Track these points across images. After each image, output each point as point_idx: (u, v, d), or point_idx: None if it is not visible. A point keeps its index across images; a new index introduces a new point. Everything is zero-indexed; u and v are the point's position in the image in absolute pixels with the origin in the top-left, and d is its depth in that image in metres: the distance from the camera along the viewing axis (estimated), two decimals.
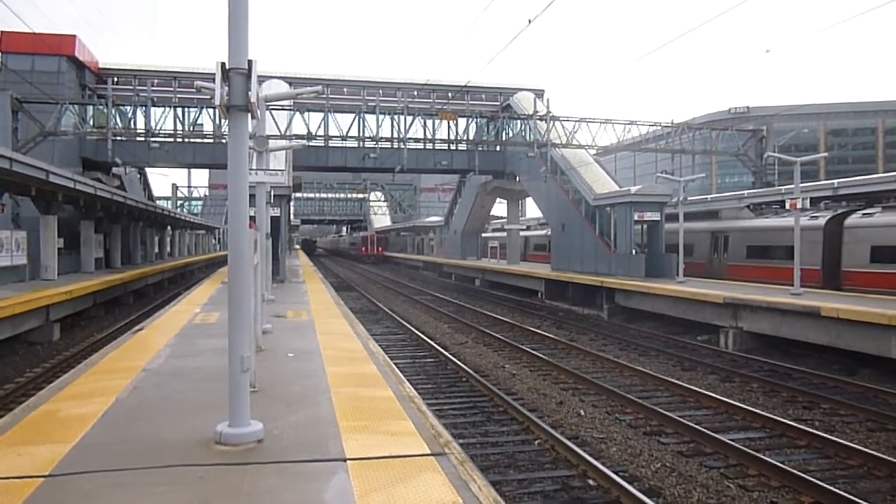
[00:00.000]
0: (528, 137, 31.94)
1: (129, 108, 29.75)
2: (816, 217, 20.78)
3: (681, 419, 9.73)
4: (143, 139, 28.68)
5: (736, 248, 24.16)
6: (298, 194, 62.23)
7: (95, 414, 6.03)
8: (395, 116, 30.81)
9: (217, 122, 28.84)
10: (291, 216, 49.08)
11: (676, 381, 12.51)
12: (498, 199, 41.50)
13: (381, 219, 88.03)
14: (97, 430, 5.57)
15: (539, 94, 37.76)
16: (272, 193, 16.75)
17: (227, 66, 5.11)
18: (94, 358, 9.11)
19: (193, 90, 32.02)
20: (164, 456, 4.86)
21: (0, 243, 18.35)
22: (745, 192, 29.61)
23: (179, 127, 28.79)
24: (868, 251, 18.75)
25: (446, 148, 33.14)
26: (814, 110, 79.44)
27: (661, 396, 11.85)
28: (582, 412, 10.66)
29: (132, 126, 29.49)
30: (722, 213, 26.26)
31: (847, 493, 6.97)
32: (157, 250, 44.30)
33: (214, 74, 5.11)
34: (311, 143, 29.06)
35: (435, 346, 16.50)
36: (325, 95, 35.11)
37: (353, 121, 30.08)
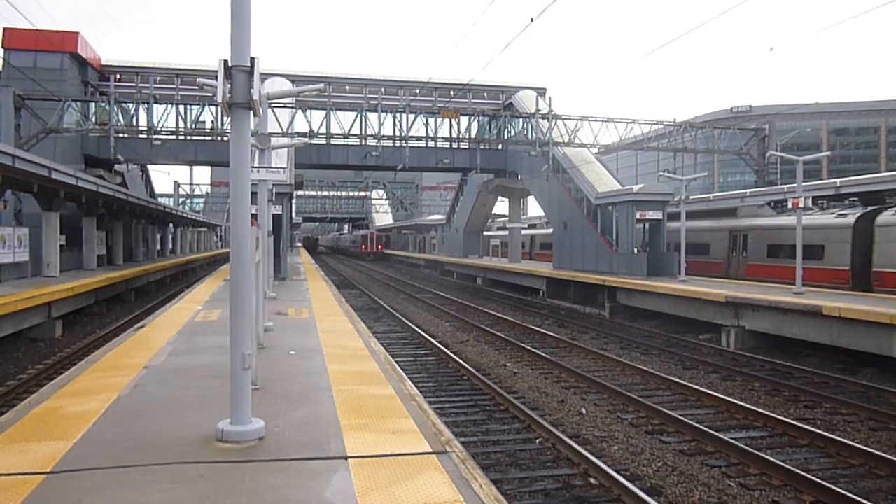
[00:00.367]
0: (530, 136, 31.88)
1: (131, 105, 29.72)
2: (845, 215, 19.50)
3: (682, 418, 9.72)
4: (145, 136, 28.66)
5: (756, 248, 22.96)
6: (300, 192, 62.29)
7: (97, 411, 6.04)
8: (397, 114, 30.77)
9: (219, 119, 28.84)
10: (293, 214, 49.15)
11: (678, 380, 12.50)
12: (500, 198, 41.47)
13: (383, 217, 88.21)
14: (99, 427, 5.58)
15: (541, 92, 37.67)
16: (274, 191, 16.73)
17: (230, 64, 5.11)
18: (96, 355, 9.12)
19: (196, 87, 31.93)
20: (165, 453, 4.87)
21: (2, 240, 18.37)
22: (748, 190, 29.58)
23: (181, 124, 28.77)
24: None
25: (448, 146, 33.11)
26: (816, 109, 79.32)
27: (663, 395, 11.84)
28: (583, 411, 10.65)
29: (134, 123, 29.48)
30: (741, 211, 24.96)
31: (849, 492, 6.96)
32: (158, 247, 44.37)
33: (217, 72, 5.11)
34: (313, 141, 29.05)
35: (436, 344, 16.49)
36: (327, 93, 35.12)
37: (354, 119, 30.04)
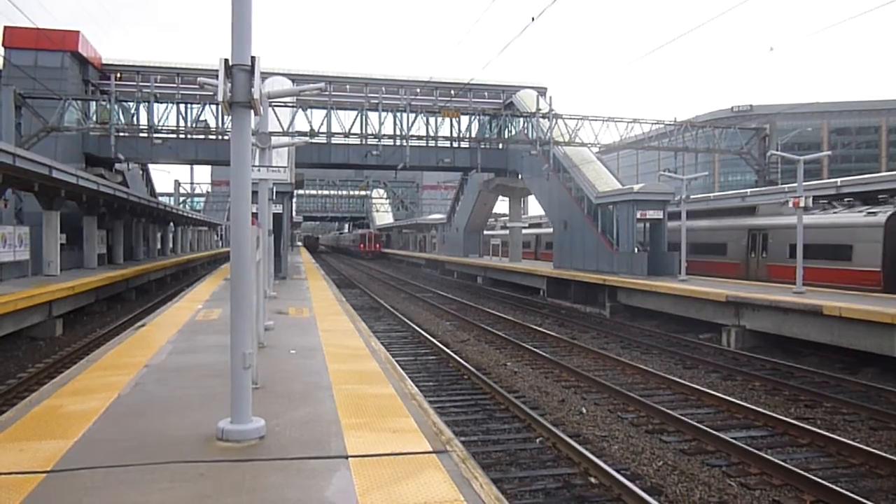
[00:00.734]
0: (530, 135, 31.87)
1: (131, 104, 29.72)
2: (874, 213, 18.58)
3: (683, 417, 9.72)
4: (145, 135, 28.66)
5: (777, 248, 21.87)
6: (301, 191, 62.30)
7: (97, 410, 6.04)
8: (398, 114, 30.75)
9: (220, 118, 28.84)
10: (294, 213, 49.14)
11: (678, 380, 12.50)
12: (500, 197, 41.47)
13: (384, 216, 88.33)
14: (99, 425, 5.58)
15: (542, 91, 37.68)
16: (274, 190, 16.73)
17: (231, 63, 5.11)
18: (97, 354, 9.13)
19: (196, 86, 31.88)
20: (166, 452, 4.87)
21: (3, 238, 18.38)
22: (748, 190, 29.55)
23: (182, 123, 28.78)
24: None
25: (449, 145, 33.10)
26: (817, 109, 79.23)
27: (663, 395, 11.84)
28: (584, 410, 10.65)
29: (135, 122, 29.49)
30: (760, 209, 23.86)
31: (849, 491, 6.96)
32: (159, 246, 44.38)
33: (217, 71, 5.11)
34: (313, 140, 29.04)
35: (437, 343, 16.50)
36: (327, 92, 35.11)
37: (355, 118, 30.03)
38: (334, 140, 30.88)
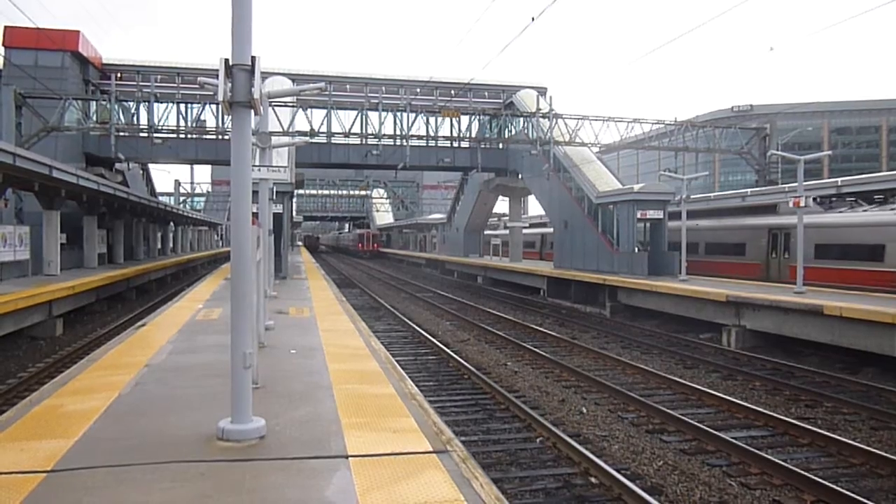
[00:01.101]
0: (530, 135, 31.86)
1: (132, 103, 29.73)
2: None
3: (683, 417, 9.72)
4: (146, 135, 28.67)
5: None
6: (301, 191, 62.30)
7: (98, 409, 6.04)
8: (398, 113, 30.75)
9: (220, 118, 28.84)
10: (294, 213, 49.12)
11: (679, 380, 12.50)
12: (500, 197, 41.47)
13: (384, 216, 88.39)
14: (99, 425, 5.58)
15: (542, 91, 37.66)
16: (275, 190, 16.73)
17: (231, 62, 5.11)
18: (97, 353, 9.13)
19: (196, 86, 31.88)
20: (166, 452, 4.87)
21: (3, 238, 18.38)
22: (748, 189, 29.56)
23: (182, 123, 28.78)
24: None
25: (449, 145, 33.08)
26: (817, 108, 79.28)
27: (664, 394, 11.84)
28: (584, 410, 10.65)
29: (135, 122, 29.50)
30: (781, 207, 22.72)
31: (850, 491, 6.96)
32: (159, 246, 44.40)
33: (218, 70, 5.11)
34: (313, 140, 29.04)
35: (437, 343, 16.50)
36: (327, 92, 35.04)
37: (355, 118, 30.03)
38: (334, 140, 30.89)
